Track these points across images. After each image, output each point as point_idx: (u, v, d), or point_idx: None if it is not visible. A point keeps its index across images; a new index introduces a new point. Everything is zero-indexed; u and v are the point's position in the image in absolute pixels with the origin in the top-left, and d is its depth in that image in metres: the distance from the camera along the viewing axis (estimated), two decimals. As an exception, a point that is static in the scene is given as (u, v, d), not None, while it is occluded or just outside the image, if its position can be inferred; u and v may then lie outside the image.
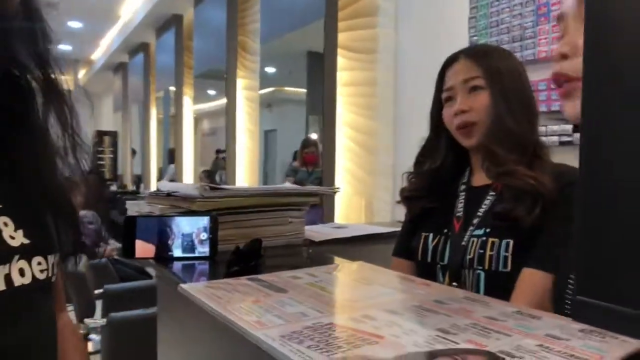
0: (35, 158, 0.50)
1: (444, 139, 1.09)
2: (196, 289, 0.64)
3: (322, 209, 2.90)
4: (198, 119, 6.88)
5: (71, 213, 0.57)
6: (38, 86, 0.50)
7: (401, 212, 1.70)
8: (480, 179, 1.04)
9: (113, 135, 9.62)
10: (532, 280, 0.85)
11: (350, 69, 2.85)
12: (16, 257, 0.46)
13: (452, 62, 1.03)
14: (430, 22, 2.37)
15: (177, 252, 0.90)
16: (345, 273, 0.71)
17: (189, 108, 6.34)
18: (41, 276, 0.49)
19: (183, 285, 0.65)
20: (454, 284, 0.99)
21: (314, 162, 4.75)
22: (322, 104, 3.18)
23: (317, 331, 0.45)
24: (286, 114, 7.45)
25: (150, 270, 3.77)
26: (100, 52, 9.41)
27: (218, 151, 6.89)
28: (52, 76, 0.50)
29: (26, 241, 0.47)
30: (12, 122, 0.48)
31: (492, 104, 0.96)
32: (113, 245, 3.96)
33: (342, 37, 2.87)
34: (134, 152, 9.12)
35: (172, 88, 6.78)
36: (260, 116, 4.63)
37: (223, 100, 5.26)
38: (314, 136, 6.69)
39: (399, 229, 1.46)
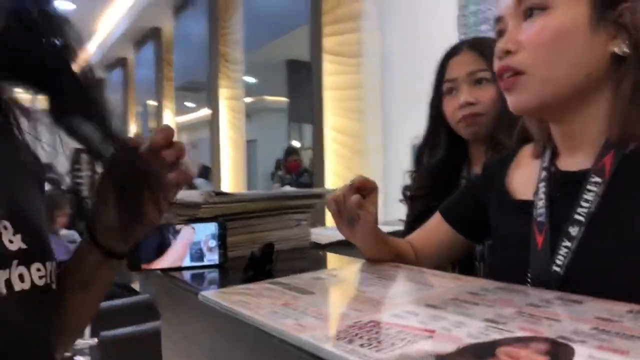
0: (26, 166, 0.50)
1: (444, 131, 1.09)
2: (218, 295, 0.61)
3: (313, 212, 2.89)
4: (177, 131, 6.83)
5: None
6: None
7: (393, 213, 1.69)
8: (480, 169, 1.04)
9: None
10: None
11: (336, 74, 2.85)
12: (15, 262, 0.45)
13: (454, 54, 1.03)
14: (417, 23, 2.38)
15: (185, 262, 0.87)
16: (369, 272, 0.69)
17: (170, 121, 6.27)
18: (40, 282, 0.47)
19: (204, 293, 0.63)
20: (466, 278, 0.98)
21: (297, 169, 4.77)
22: (306, 111, 3.18)
23: (363, 329, 0.43)
24: (266, 123, 7.43)
25: (135, 286, 3.70)
26: (76, 69, 9.25)
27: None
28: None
29: (24, 246, 0.46)
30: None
31: (499, 96, 0.95)
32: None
33: (326, 42, 2.87)
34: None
35: (151, 102, 6.71)
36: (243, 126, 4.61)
37: (202, 112, 5.21)
38: (296, 144, 6.70)
39: (398, 227, 1.46)
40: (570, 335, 0.39)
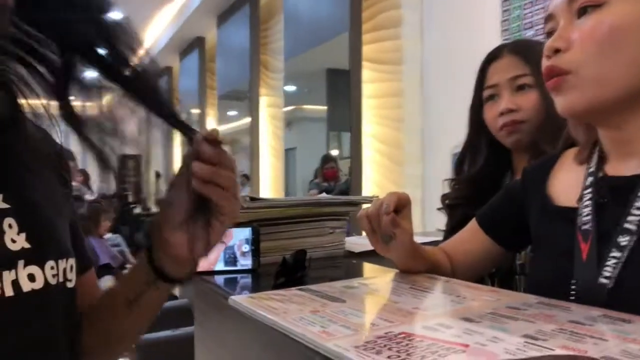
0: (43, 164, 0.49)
1: (485, 139, 1.05)
2: (247, 300, 0.61)
3: (349, 220, 2.87)
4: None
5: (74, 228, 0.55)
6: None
7: (433, 223, 1.65)
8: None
9: (136, 159, 9.75)
10: None
11: (375, 81, 2.84)
12: (21, 262, 0.43)
13: (494, 58, 0.99)
14: (458, 29, 2.34)
15: (219, 266, 0.88)
16: (403, 282, 0.67)
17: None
18: (53, 281, 0.46)
19: (234, 297, 0.63)
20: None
21: (334, 177, 4.76)
22: (345, 119, 3.17)
23: (393, 341, 0.42)
24: (306, 132, 7.47)
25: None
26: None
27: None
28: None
29: (27, 245, 0.44)
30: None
31: (542, 103, 0.91)
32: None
33: (366, 49, 2.87)
34: (158, 175, 9.22)
35: (195, 110, 6.88)
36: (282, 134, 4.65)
37: (244, 121, 5.29)
38: (334, 152, 6.74)
39: (436, 238, 1.42)
40: (617, 357, 0.36)
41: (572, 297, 0.56)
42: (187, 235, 0.50)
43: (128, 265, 3.93)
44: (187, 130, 0.50)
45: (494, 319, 0.48)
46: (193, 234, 0.50)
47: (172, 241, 0.51)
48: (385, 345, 0.40)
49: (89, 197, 4.34)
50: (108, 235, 4.12)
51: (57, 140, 0.53)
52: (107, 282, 3.32)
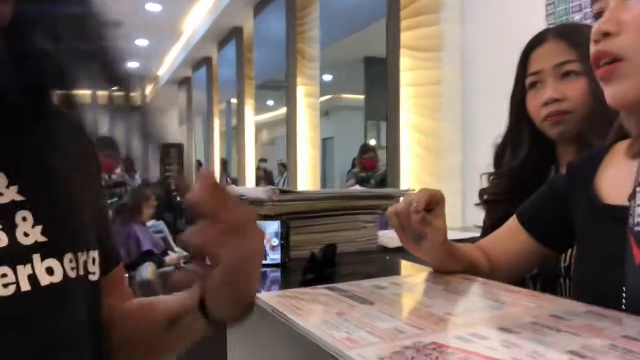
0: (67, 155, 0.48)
1: (527, 130, 0.98)
2: (273, 298, 0.59)
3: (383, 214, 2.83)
4: (258, 129, 7.02)
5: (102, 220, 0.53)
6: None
7: (474, 217, 1.59)
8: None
9: (179, 147, 9.96)
10: None
11: (414, 69, 2.76)
12: (37, 255, 0.42)
13: (538, 43, 0.93)
14: (501, 13, 2.24)
15: (248, 260, 0.86)
16: (436, 283, 0.63)
17: (250, 118, 6.45)
18: (72, 274, 0.45)
19: (258, 295, 0.61)
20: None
21: (373, 168, 4.70)
22: (382, 108, 3.11)
23: (421, 352, 0.38)
24: (343, 121, 7.44)
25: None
26: (165, 68, 9.82)
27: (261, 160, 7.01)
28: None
29: (42, 239, 0.43)
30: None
31: (591, 91, 0.85)
32: (180, 254, 4.04)
33: (404, 36, 2.79)
34: (199, 163, 9.40)
35: (234, 100, 6.94)
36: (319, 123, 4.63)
37: (281, 110, 5.30)
38: (372, 142, 6.67)
39: (474, 234, 1.36)
40: (679, 382, 0.32)
41: (624, 307, 0.51)
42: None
43: (170, 252, 4.02)
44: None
45: (535, 329, 0.43)
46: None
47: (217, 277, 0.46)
48: (412, 357, 0.37)
49: (132, 184, 4.46)
50: (151, 222, 4.21)
51: (89, 130, 0.52)
52: (148, 268, 3.41)
